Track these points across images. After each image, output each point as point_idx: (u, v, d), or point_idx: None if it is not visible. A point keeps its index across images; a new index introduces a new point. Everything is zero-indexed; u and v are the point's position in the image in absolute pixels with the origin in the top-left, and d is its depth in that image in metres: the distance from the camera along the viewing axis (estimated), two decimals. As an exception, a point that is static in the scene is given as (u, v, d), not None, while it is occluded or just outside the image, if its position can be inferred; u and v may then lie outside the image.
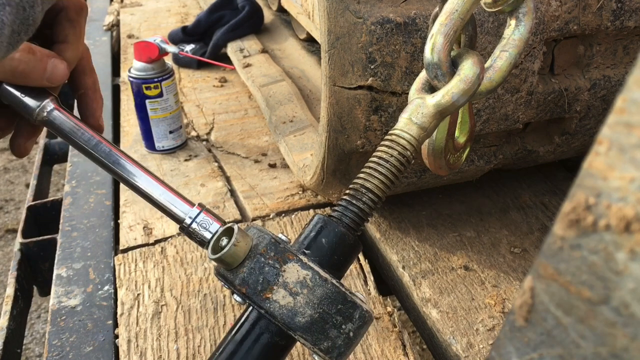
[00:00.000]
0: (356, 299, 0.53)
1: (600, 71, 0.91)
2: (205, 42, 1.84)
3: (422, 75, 0.60)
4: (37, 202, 1.30)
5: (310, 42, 1.68)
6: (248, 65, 1.61)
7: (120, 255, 1.06)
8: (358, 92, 0.82)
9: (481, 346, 0.84)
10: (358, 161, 0.92)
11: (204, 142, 1.43)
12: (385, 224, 1.07)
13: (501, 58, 0.58)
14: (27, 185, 2.65)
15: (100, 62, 1.86)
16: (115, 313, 0.95)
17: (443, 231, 1.06)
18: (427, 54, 0.56)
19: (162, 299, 0.97)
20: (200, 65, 1.81)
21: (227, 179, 1.29)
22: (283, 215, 1.16)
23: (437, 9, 0.60)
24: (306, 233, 0.56)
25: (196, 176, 1.30)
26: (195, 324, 0.92)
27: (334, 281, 0.52)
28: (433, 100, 0.56)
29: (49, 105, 0.56)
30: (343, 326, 0.52)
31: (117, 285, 1.00)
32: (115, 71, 1.86)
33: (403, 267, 0.98)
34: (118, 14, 2.25)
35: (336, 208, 0.57)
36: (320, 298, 0.51)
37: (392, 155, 0.56)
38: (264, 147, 1.40)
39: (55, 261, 1.07)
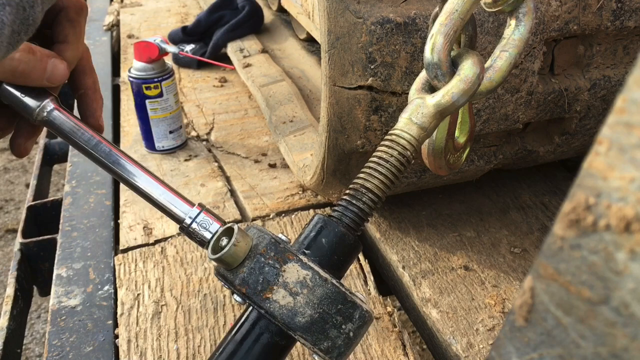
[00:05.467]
0: (356, 299, 0.53)
1: (600, 71, 0.91)
2: (205, 42, 1.84)
3: (422, 75, 0.60)
4: (37, 202, 1.30)
5: (310, 42, 1.68)
6: (248, 65, 1.61)
7: (120, 255, 1.06)
8: (358, 92, 0.82)
9: (481, 346, 0.84)
10: (358, 161, 0.92)
11: (204, 142, 1.43)
12: (385, 224, 1.07)
13: (501, 58, 0.58)
14: (27, 185, 2.65)
15: (100, 62, 1.86)
16: (115, 313, 0.95)
17: (443, 231, 1.06)
18: (427, 54, 0.56)
19: (162, 299, 0.97)
20: (200, 65, 1.81)
21: (227, 179, 1.29)
22: (283, 215, 1.16)
23: (437, 9, 0.60)
24: (306, 233, 0.56)
25: (196, 176, 1.30)
26: (195, 324, 0.92)
27: (334, 281, 0.52)
28: (433, 100, 0.56)
29: (49, 105, 0.56)
30: (343, 326, 0.52)
31: (117, 285, 1.00)
32: (115, 71, 1.86)
33: (403, 267, 0.98)
34: (118, 14, 2.25)
35: (336, 208, 0.57)
36: (320, 298, 0.51)
37: (392, 155, 0.56)
38: (264, 147, 1.40)
39: (55, 261, 1.07)
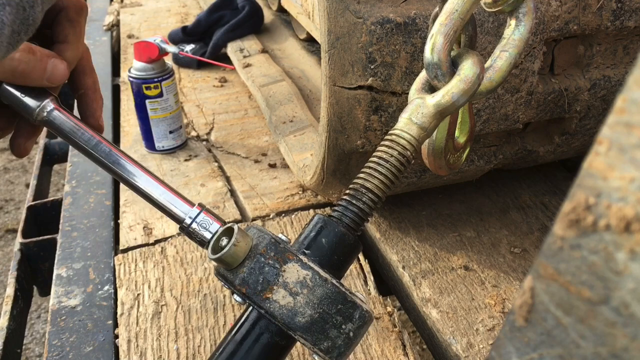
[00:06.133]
0: (356, 299, 0.53)
1: (600, 71, 0.91)
2: (205, 42, 1.84)
3: (422, 75, 0.60)
4: (37, 202, 1.30)
5: (310, 42, 1.68)
6: (248, 65, 1.61)
7: (120, 255, 1.06)
8: (358, 92, 0.82)
9: (481, 346, 0.84)
10: (358, 161, 0.92)
11: (204, 142, 1.43)
12: (385, 224, 1.07)
13: (501, 58, 0.58)
14: (27, 185, 2.65)
15: (100, 62, 1.86)
16: (115, 313, 0.95)
17: (443, 231, 1.06)
18: (427, 54, 0.56)
19: (162, 299, 0.97)
20: (200, 65, 1.81)
21: (227, 179, 1.29)
22: (283, 215, 1.16)
23: (437, 9, 0.60)
24: (306, 233, 0.56)
25: (196, 176, 1.30)
26: (195, 324, 0.92)
27: (334, 281, 0.52)
28: (433, 100, 0.56)
29: (49, 105, 0.56)
30: (343, 326, 0.52)
31: (117, 285, 1.00)
32: (115, 71, 1.86)
33: (403, 267, 0.98)
34: (118, 14, 2.25)
35: (336, 208, 0.57)
36: (320, 298, 0.51)
37: (392, 155, 0.56)
38: (264, 147, 1.40)
39: (55, 261, 1.07)
